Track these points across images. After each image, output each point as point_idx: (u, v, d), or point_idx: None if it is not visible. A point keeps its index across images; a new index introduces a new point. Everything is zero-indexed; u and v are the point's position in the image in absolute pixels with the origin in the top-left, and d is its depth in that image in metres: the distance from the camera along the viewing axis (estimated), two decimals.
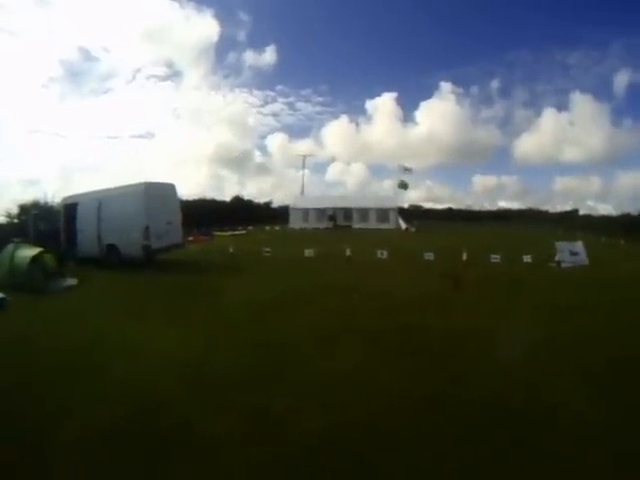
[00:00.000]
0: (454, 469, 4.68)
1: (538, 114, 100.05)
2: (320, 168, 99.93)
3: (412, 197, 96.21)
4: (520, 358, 8.07)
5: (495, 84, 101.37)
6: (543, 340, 9.22)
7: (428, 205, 73.18)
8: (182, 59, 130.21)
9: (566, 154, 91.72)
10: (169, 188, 20.61)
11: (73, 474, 4.69)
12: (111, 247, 19.30)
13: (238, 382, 6.92)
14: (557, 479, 4.56)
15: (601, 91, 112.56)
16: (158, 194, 19.23)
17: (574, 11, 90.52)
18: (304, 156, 68.75)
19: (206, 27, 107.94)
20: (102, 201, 19.62)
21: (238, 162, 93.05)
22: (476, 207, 71.63)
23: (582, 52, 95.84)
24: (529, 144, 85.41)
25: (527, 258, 21.37)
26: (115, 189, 19.85)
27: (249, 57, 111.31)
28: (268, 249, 22.95)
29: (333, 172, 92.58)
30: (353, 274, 17.73)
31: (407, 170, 55.06)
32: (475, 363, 7.81)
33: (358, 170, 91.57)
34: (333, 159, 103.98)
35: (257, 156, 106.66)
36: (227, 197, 63.21)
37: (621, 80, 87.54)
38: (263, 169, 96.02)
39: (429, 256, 21.29)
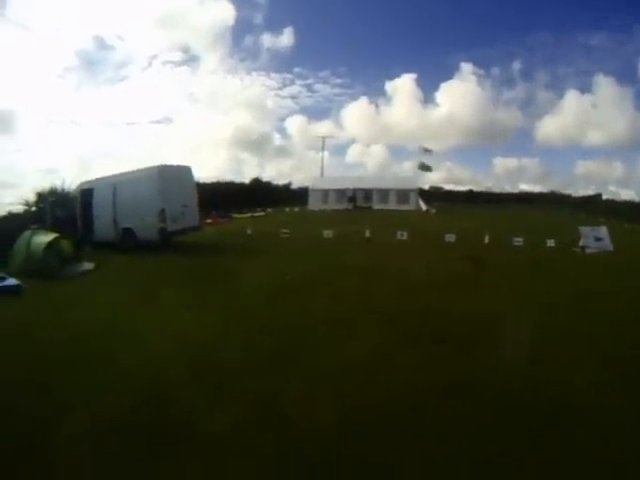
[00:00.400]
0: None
1: (560, 96, 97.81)
2: (340, 150, 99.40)
3: (432, 179, 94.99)
4: (536, 346, 7.76)
5: (516, 66, 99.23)
6: (567, 330, 8.84)
7: (449, 187, 72.61)
8: (198, 44, 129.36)
9: (588, 137, 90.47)
10: (185, 170, 20.38)
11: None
12: (127, 231, 19.16)
13: (252, 367, 6.79)
14: None
15: (625, 74, 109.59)
16: (173, 177, 19.03)
17: None
18: (323, 137, 67.90)
19: (222, 10, 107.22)
20: (117, 186, 19.51)
21: (257, 145, 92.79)
22: (497, 189, 70.76)
23: (605, 34, 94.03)
24: (551, 126, 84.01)
25: (550, 242, 20.91)
26: (130, 173, 19.70)
27: (266, 40, 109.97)
28: (286, 230, 22.72)
29: (353, 154, 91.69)
30: (373, 255, 17.48)
31: (427, 151, 54.20)
32: (493, 349, 7.56)
33: (378, 151, 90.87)
34: (353, 141, 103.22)
35: (276, 139, 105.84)
36: (246, 179, 62.74)
37: None
38: (282, 151, 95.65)
39: (450, 238, 21.02)
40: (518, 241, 20.69)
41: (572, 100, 79.37)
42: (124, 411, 5.44)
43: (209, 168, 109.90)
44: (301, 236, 22.30)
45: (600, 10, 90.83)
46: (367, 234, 21.39)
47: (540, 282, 13.27)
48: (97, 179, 21.34)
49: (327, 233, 22.02)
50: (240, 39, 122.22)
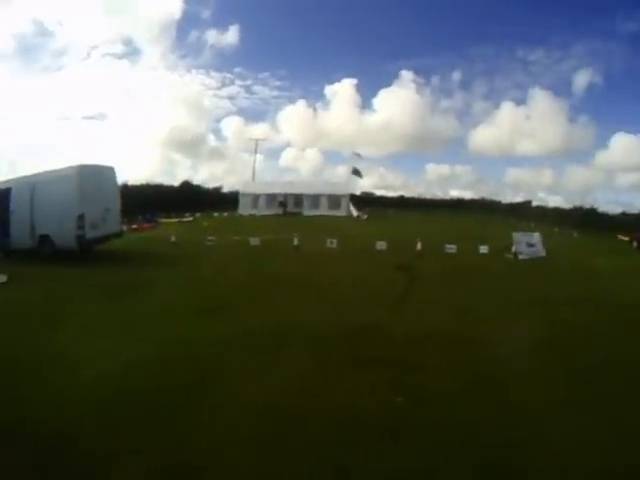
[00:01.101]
0: None
1: (496, 107, 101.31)
2: (274, 153, 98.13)
3: (365, 184, 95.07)
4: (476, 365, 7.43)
5: (456, 76, 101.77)
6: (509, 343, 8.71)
7: (380, 192, 73.59)
8: (141, 36, 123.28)
9: (521, 147, 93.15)
10: (107, 171, 18.58)
11: None
12: (44, 238, 17.14)
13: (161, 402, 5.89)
14: None
15: (559, 88, 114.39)
16: (94, 178, 17.25)
17: (539, 12, 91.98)
18: (256, 140, 66.62)
19: (170, 2, 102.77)
20: (36, 186, 17.33)
21: (191, 146, 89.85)
22: (428, 195, 72.34)
23: (544, 51, 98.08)
24: (485, 135, 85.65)
25: (483, 249, 20.88)
26: (49, 173, 17.69)
27: (211, 36, 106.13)
28: (212, 238, 21.60)
29: (287, 158, 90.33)
30: (301, 266, 16.62)
31: (358, 156, 54.52)
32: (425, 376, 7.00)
33: (312, 156, 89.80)
34: (288, 144, 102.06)
35: (211, 140, 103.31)
36: (178, 182, 60.36)
37: (581, 79, 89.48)
38: (216, 153, 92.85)
39: (381, 246, 20.47)
40: (451, 248, 20.52)
41: (507, 111, 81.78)
42: None
43: (141, 169, 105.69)
44: (227, 244, 21.33)
45: (542, 27, 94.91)
46: (295, 242, 20.54)
47: (473, 294, 12.93)
48: (16, 178, 19.01)
49: (254, 241, 21.10)
50: (185, 34, 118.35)
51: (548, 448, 5.02)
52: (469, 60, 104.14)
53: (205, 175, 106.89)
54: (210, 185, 65.82)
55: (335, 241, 20.73)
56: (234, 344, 8.22)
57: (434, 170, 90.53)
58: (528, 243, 21.85)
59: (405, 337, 8.83)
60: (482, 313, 10.93)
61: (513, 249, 21.09)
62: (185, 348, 8.00)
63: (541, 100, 78.17)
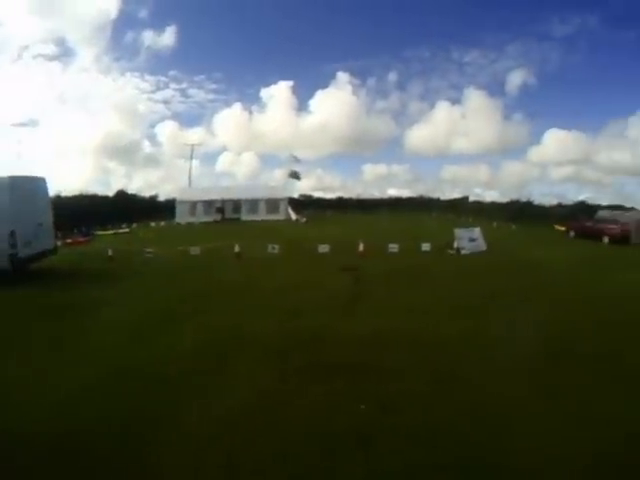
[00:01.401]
0: None
1: (432, 107, 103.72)
2: (211, 158, 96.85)
3: (303, 187, 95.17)
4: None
5: (392, 77, 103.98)
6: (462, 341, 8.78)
7: (318, 194, 73.68)
8: (75, 36, 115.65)
9: (456, 145, 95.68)
10: (38, 182, 17.17)
11: None
12: None
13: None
14: None
15: (495, 88, 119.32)
16: (25, 190, 15.77)
17: (474, 15, 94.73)
18: (192, 145, 65.18)
19: (106, 0, 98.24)
20: None
21: (126, 153, 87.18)
22: (366, 195, 72.86)
23: (479, 52, 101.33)
24: (421, 135, 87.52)
25: (426, 247, 21.32)
26: None
27: (147, 37, 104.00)
28: (150, 249, 20.67)
29: (223, 162, 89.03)
30: (245, 274, 16.33)
31: (295, 159, 54.45)
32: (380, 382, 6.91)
33: (249, 160, 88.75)
34: (224, 149, 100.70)
35: (146, 146, 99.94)
36: (113, 191, 58.05)
37: (515, 79, 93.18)
38: (152, 160, 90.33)
39: (324, 248, 20.25)
40: (393, 247, 20.67)
41: (442, 111, 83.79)
42: None
43: (74, 178, 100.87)
44: (166, 255, 20.52)
45: (477, 29, 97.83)
46: (236, 249, 20.06)
47: (420, 292, 13.17)
48: None
49: (194, 250, 20.54)
50: (121, 34, 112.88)
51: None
52: (405, 61, 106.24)
53: (140, 183, 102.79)
54: (146, 193, 63.81)
55: (277, 246, 20.41)
56: (183, 363, 7.80)
57: (371, 170, 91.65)
58: (469, 238, 22.59)
59: (360, 340, 8.79)
60: (432, 311, 11.10)
61: (455, 245, 21.66)
62: (135, 369, 7.53)
63: (476, 99, 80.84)
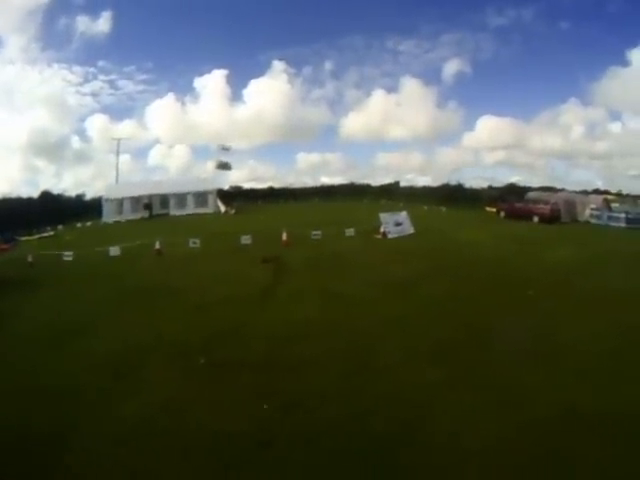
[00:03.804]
0: None
1: (367, 95, 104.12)
2: (142, 152, 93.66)
3: (235, 178, 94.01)
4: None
5: (328, 66, 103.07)
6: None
7: (250, 185, 73.10)
8: (1, 24, 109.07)
9: (391, 132, 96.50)
10: None
11: None
12: None
13: None
14: None
15: (430, 77, 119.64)
16: None
17: (408, 4, 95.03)
18: (118, 140, 62.72)
19: None
20: None
21: (55, 150, 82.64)
22: (298, 184, 72.68)
23: (413, 41, 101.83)
24: (355, 123, 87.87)
25: (350, 232, 21.60)
26: None
27: (82, 23, 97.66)
28: (69, 253, 20.17)
29: (155, 156, 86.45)
30: (161, 272, 16.14)
31: (225, 149, 53.58)
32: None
33: (182, 152, 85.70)
34: (157, 141, 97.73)
35: (75, 142, 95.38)
36: (41, 192, 55.11)
37: (450, 68, 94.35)
38: (82, 157, 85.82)
39: (246, 240, 20.35)
40: (316, 234, 20.92)
41: (378, 99, 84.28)
42: None
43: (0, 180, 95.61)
44: (86, 258, 19.76)
45: (411, 19, 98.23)
46: (157, 246, 19.83)
47: (341, 279, 13.48)
48: None
49: (114, 250, 20.04)
50: (52, 20, 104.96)
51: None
52: (339, 50, 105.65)
53: (71, 181, 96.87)
54: (76, 192, 60.88)
55: (198, 241, 20.35)
56: (93, 369, 7.84)
57: (305, 159, 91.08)
58: (396, 222, 23.03)
59: (270, 335, 8.91)
60: (351, 297, 11.39)
61: (381, 229, 22.01)
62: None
63: (411, 88, 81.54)
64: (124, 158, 73.27)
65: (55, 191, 57.65)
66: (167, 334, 9.44)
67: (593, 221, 30.34)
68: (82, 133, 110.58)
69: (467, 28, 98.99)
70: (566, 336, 8.82)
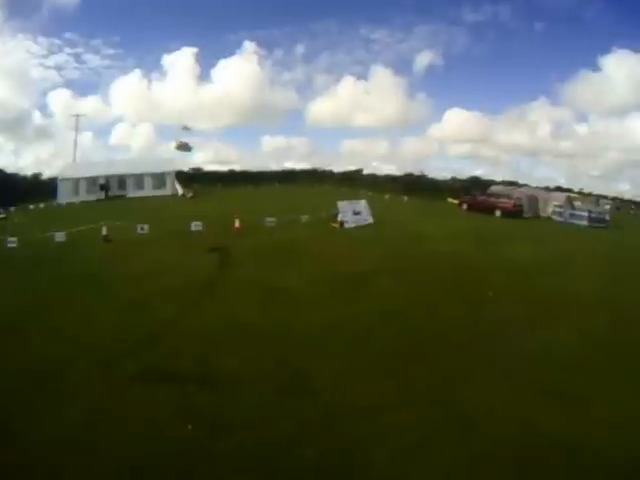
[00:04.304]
0: None
1: (337, 81, 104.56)
2: (105, 130, 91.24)
3: (198, 159, 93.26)
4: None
5: (299, 49, 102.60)
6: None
7: (212, 167, 71.79)
8: None
9: (359, 119, 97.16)
10: None
11: None
12: None
13: None
14: None
15: (401, 67, 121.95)
16: None
17: None
18: (77, 116, 60.76)
19: None
20: None
21: (15, 125, 79.46)
22: (261, 168, 71.49)
23: (386, 31, 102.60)
24: (323, 108, 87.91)
25: (305, 219, 21.47)
26: None
27: None
28: (13, 239, 19.14)
29: (118, 135, 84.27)
30: (102, 261, 15.64)
31: (186, 129, 52.03)
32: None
33: (145, 131, 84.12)
34: (120, 119, 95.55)
35: (37, 117, 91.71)
36: (5, 170, 54.13)
37: (422, 60, 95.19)
38: (43, 133, 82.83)
39: (197, 226, 19.88)
40: (270, 222, 20.65)
41: (347, 85, 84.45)
42: None
43: None
44: (27, 244, 18.90)
45: (385, 8, 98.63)
46: (104, 232, 19.06)
47: (287, 271, 13.23)
48: None
49: (59, 236, 19.27)
50: None
51: None
52: (312, 34, 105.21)
53: (30, 160, 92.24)
54: (34, 171, 59.31)
55: (146, 226, 19.78)
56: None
57: (270, 142, 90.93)
58: (354, 211, 22.91)
59: (203, 338, 8.53)
60: (295, 294, 11.08)
61: (339, 218, 21.78)
62: None
63: (382, 76, 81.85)
64: (86, 136, 72.70)
65: (13, 170, 56.71)
66: (93, 337, 8.92)
67: (555, 218, 30.84)
68: (44, 108, 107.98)
69: (442, 21, 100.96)
70: (525, 345, 8.66)
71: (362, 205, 23.81)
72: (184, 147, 49.73)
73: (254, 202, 34.17)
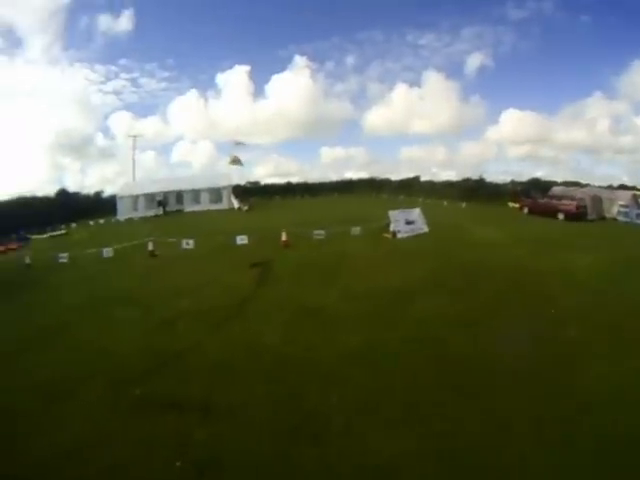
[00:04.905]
0: None
1: (390, 89, 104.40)
2: (166, 148, 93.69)
3: (259, 173, 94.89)
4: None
5: (349, 60, 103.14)
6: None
7: (273, 180, 72.10)
8: (24, 25, 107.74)
9: (414, 126, 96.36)
10: None
11: None
12: None
13: None
14: None
15: (452, 71, 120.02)
16: None
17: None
18: (134, 136, 62.68)
19: None
20: None
21: (80, 148, 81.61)
22: (322, 179, 70.69)
23: (433, 35, 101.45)
24: (379, 117, 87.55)
25: (356, 231, 20.32)
26: None
27: (103, 22, 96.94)
28: (64, 254, 19.50)
29: (179, 152, 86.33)
30: (142, 277, 15.50)
31: (239, 144, 52.76)
32: None
33: (205, 148, 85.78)
34: (180, 138, 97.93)
35: (100, 139, 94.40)
36: (74, 188, 57.31)
37: (471, 62, 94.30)
38: (107, 154, 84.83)
39: (242, 240, 19.20)
40: (319, 234, 19.64)
41: (400, 92, 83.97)
42: None
43: (26, 178, 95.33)
44: (79, 259, 19.23)
45: (428, 13, 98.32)
46: (150, 247, 19.13)
47: (328, 288, 12.31)
48: None
49: (107, 252, 19.36)
50: (74, 20, 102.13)
51: None
52: (359, 44, 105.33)
53: (95, 179, 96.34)
54: (94, 190, 61.87)
55: (192, 241, 19.38)
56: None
57: (329, 153, 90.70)
58: (407, 220, 21.55)
59: (216, 365, 7.85)
60: (329, 314, 10.19)
61: (391, 228, 20.57)
62: None
63: (434, 82, 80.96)
64: (149, 155, 74.87)
65: (76, 189, 58.75)
66: (112, 356, 8.58)
67: (621, 218, 28.66)
68: (106, 131, 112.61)
69: (487, 21, 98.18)
70: (594, 388, 6.60)
71: (416, 213, 22.48)
72: (237, 162, 50.26)
73: (308, 213, 33.37)
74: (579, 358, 7.53)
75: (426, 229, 21.86)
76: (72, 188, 58.62)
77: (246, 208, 42.77)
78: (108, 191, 59.67)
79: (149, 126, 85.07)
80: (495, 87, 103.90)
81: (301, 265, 15.13)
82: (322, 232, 19.79)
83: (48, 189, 54.08)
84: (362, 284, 12.54)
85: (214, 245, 19.42)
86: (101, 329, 10.33)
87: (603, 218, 28.93)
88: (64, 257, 19.61)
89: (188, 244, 19.40)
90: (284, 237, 19.24)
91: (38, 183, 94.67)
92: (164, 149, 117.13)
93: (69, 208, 47.65)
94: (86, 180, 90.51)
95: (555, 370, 7.10)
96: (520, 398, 6.37)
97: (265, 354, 8.23)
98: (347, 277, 13.44)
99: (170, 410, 6.38)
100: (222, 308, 11.03)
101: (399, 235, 20.42)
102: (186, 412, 6.30)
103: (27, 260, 19.87)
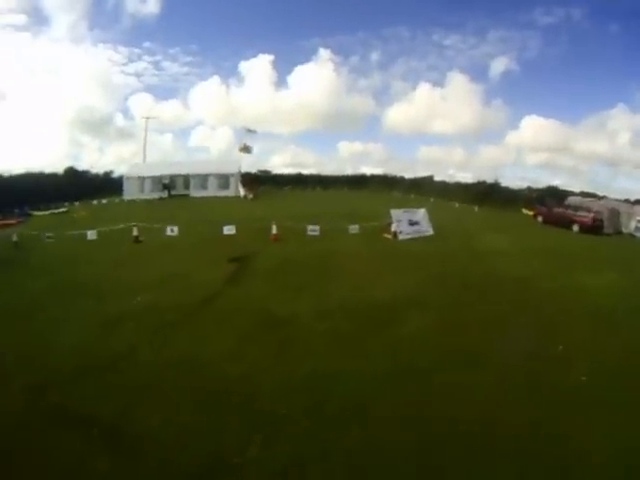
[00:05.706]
0: None
1: (413, 88, 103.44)
2: (185, 132, 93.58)
3: (275, 162, 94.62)
4: None
5: (374, 56, 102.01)
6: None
7: (289, 170, 71.13)
8: (52, 3, 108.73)
9: (435, 126, 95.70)
10: None
11: None
12: None
13: None
14: None
15: (477, 73, 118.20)
16: None
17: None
18: (147, 118, 63.04)
19: None
20: None
21: (99, 126, 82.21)
22: (332, 172, 70.86)
23: (459, 36, 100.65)
24: (399, 114, 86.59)
25: (354, 229, 19.19)
26: None
27: (131, 4, 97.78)
28: (51, 234, 19.10)
29: (197, 137, 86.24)
30: (118, 264, 14.82)
31: (251, 132, 52.33)
32: None
33: (224, 135, 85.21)
34: (200, 123, 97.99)
35: (119, 120, 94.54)
36: (87, 166, 57.41)
37: (496, 65, 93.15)
38: (126, 134, 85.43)
39: (230, 230, 18.26)
40: (314, 230, 18.58)
41: (423, 91, 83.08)
42: None
43: (45, 154, 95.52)
44: (65, 240, 18.58)
45: (456, 14, 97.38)
46: (135, 232, 18.33)
47: (303, 294, 11.22)
48: None
49: (91, 234, 18.62)
50: (100, 2, 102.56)
51: None
52: (384, 41, 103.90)
53: (112, 158, 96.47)
54: (108, 169, 61.41)
55: (176, 228, 18.54)
56: None
57: (347, 148, 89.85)
58: (410, 221, 20.56)
59: (145, 380, 6.87)
60: (299, 329, 8.98)
61: (393, 228, 19.61)
62: None
63: (458, 83, 79.93)
64: (166, 137, 74.91)
65: (90, 167, 58.99)
66: (41, 356, 7.79)
67: (638, 235, 27.59)
68: (126, 112, 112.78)
69: (513, 26, 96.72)
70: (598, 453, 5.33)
71: (420, 214, 21.37)
72: (247, 149, 49.82)
73: (311, 206, 32.41)
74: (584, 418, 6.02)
75: (431, 231, 20.84)
76: (88, 166, 59.18)
77: (251, 196, 42.20)
78: (121, 171, 59.73)
79: (169, 109, 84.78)
80: (518, 92, 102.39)
81: (283, 263, 14.21)
82: (317, 228, 18.79)
83: (65, 165, 53.57)
84: (342, 293, 11.32)
85: (199, 234, 18.46)
86: (45, 322, 9.54)
87: (620, 233, 27.68)
88: (51, 237, 19.17)
89: (172, 231, 18.60)
90: (274, 230, 18.36)
91: (57, 159, 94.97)
92: (182, 133, 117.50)
93: (76, 186, 47.44)
94: (103, 159, 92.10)
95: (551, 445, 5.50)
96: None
97: (201, 372, 7.14)
98: (329, 282, 12.35)
99: (77, 427, 5.59)
100: (178, 308, 10.10)
101: (401, 236, 19.44)
102: (93, 434, 5.45)
103: (14, 238, 19.26)
